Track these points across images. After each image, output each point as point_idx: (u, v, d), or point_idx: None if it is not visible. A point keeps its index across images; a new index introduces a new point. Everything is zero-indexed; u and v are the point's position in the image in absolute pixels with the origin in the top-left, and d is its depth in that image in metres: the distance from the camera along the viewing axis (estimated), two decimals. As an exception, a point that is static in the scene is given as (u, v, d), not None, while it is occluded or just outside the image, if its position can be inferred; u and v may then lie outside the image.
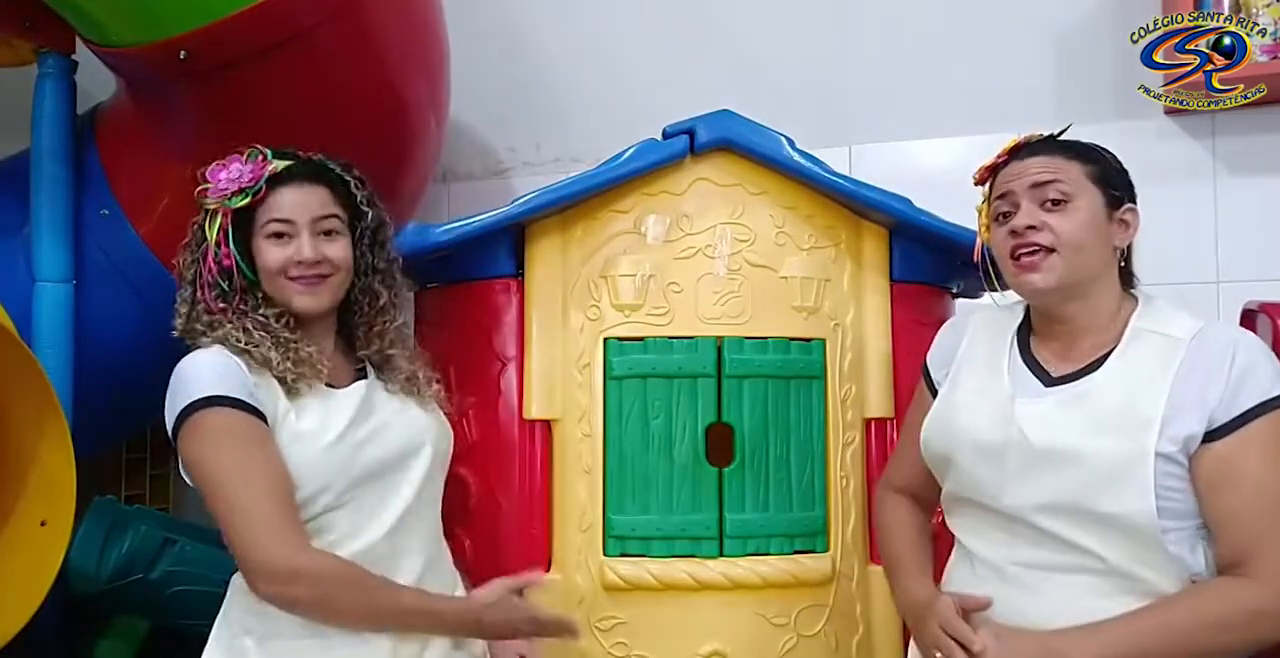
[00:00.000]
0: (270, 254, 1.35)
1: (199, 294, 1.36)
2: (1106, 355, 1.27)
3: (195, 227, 1.39)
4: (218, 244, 1.35)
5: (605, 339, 1.63)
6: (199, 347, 1.33)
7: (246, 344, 1.31)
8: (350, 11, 1.78)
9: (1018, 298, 1.39)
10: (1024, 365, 1.34)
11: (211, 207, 1.36)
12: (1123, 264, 1.33)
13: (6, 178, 2.00)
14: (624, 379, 1.61)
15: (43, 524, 1.51)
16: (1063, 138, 1.35)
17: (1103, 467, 1.20)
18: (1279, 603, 1.15)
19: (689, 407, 1.60)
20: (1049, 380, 1.30)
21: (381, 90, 1.94)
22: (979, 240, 1.42)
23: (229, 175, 1.35)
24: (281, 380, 1.31)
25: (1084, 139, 1.36)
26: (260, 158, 1.37)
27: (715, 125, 1.65)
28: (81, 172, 1.95)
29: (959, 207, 1.69)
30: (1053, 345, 1.33)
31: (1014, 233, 1.28)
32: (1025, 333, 1.38)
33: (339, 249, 1.38)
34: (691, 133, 1.65)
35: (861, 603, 1.65)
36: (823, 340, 1.67)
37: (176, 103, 1.84)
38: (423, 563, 1.37)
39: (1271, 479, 1.17)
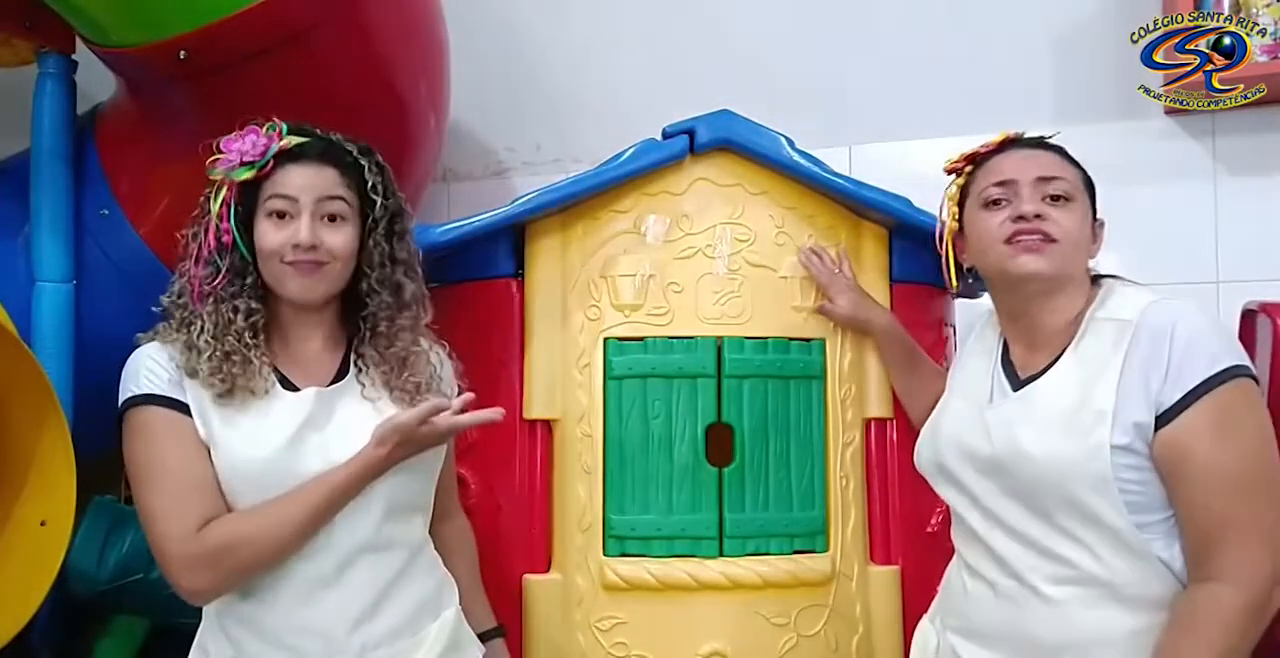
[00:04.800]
0: (268, 235, 1.29)
1: (193, 270, 1.30)
2: (1063, 352, 1.27)
3: (202, 199, 1.33)
4: (219, 218, 1.29)
5: (605, 339, 1.63)
6: (154, 332, 1.33)
7: (187, 347, 1.28)
8: (350, 11, 1.78)
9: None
10: (1001, 368, 1.35)
11: (217, 178, 1.30)
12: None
13: (6, 178, 2.00)
14: (624, 379, 1.61)
15: (43, 524, 1.51)
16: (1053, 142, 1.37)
17: (1063, 467, 1.19)
18: (1257, 598, 1.13)
19: (689, 407, 1.60)
20: (1016, 382, 1.31)
21: (381, 90, 1.93)
22: (944, 231, 1.41)
23: (241, 146, 1.29)
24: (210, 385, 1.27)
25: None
26: (275, 132, 1.32)
27: (715, 125, 1.65)
28: (81, 172, 1.94)
29: (959, 207, 1.69)
30: (1019, 346, 1.34)
31: (1020, 218, 1.28)
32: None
33: (341, 238, 1.32)
34: (691, 133, 1.65)
35: (861, 603, 1.65)
36: (823, 340, 1.67)
37: (176, 103, 1.84)
38: (375, 596, 1.29)
39: (1223, 461, 1.14)
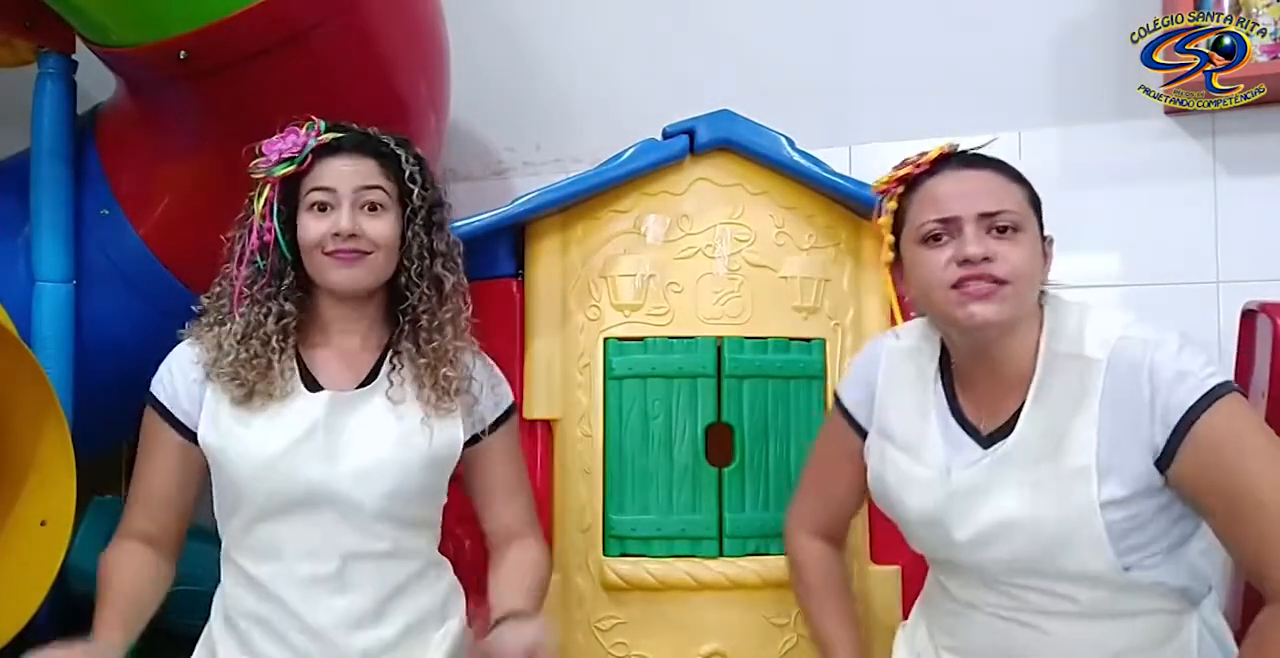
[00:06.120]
0: (310, 227, 1.30)
1: (235, 271, 1.32)
2: (1026, 398, 1.18)
3: (247, 200, 1.35)
4: (262, 217, 1.31)
5: (605, 339, 1.63)
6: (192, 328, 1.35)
7: (215, 346, 1.30)
8: (350, 11, 1.78)
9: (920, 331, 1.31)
10: (955, 424, 1.25)
11: (259, 177, 1.32)
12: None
13: (6, 178, 2.00)
14: (624, 379, 1.61)
15: (43, 524, 1.51)
16: (988, 154, 1.25)
17: (1052, 532, 1.14)
18: None
19: (689, 407, 1.60)
20: (981, 440, 1.22)
21: (381, 90, 1.93)
22: (883, 260, 1.28)
23: (281, 146, 1.31)
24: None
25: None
26: (314, 129, 1.33)
27: (715, 125, 1.65)
28: (81, 172, 1.94)
29: (959, 207, 1.68)
30: (976, 392, 1.24)
31: (967, 262, 1.15)
32: (948, 379, 1.28)
33: (382, 226, 1.31)
34: (691, 133, 1.65)
35: (862, 603, 1.65)
36: (823, 340, 1.67)
37: (176, 103, 1.84)
38: (378, 603, 1.29)
39: (1251, 477, 1.10)
